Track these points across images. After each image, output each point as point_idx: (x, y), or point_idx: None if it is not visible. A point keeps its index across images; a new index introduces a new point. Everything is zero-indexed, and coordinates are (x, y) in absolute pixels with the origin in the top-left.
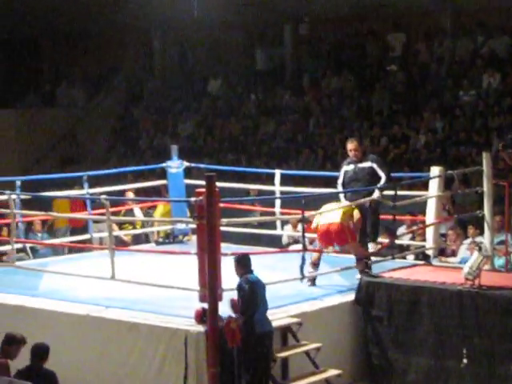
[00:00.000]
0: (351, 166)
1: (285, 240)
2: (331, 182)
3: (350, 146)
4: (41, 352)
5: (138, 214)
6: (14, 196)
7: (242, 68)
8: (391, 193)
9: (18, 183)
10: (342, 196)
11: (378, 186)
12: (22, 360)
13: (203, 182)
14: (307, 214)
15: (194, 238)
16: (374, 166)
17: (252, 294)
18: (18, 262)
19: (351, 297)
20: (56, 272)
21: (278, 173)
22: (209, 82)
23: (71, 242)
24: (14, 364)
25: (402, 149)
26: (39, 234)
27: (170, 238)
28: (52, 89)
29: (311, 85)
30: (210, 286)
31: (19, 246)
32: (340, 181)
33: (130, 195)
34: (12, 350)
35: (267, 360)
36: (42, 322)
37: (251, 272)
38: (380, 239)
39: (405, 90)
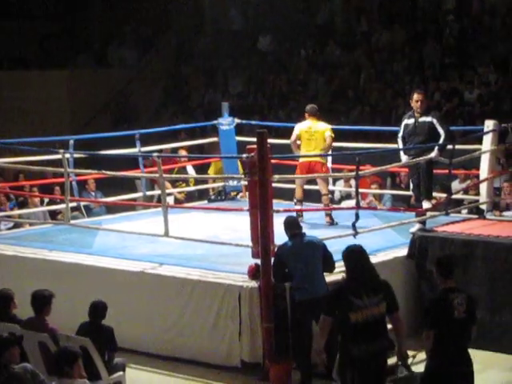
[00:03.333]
0: (411, 120)
1: (337, 196)
2: (382, 137)
3: (417, 96)
4: (99, 309)
5: (191, 172)
6: (67, 155)
7: (291, 24)
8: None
9: (72, 142)
10: (401, 151)
11: (438, 144)
12: (79, 317)
13: (254, 139)
14: (361, 170)
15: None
16: (435, 121)
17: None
18: (73, 221)
19: (404, 251)
20: (110, 230)
21: None
22: (258, 38)
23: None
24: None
25: (454, 103)
26: (93, 193)
27: (222, 195)
28: (103, 49)
29: (361, 39)
30: (263, 242)
31: (73, 204)
32: (400, 134)
33: (183, 153)
34: (49, 308)
35: (306, 328)
36: (97, 280)
37: (294, 235)
38: (435, 194)
39: (457, 42)
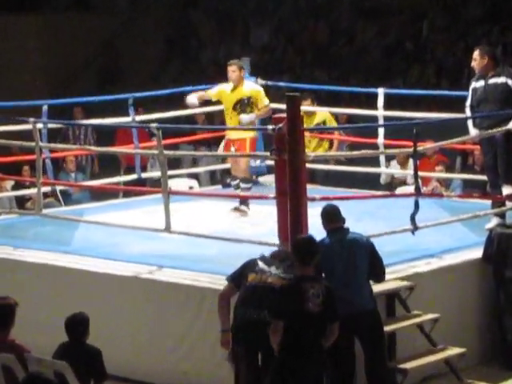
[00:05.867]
0: (481, 83)
1: (384, 179)
2: (450, 104)
3: (474, 54)
4: (78, 324)
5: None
6: (39, 125)
7: None
8: None
9: (45, 108)
10: (469, 122)
11: None
12: (51, 334)
13: (284, 106)
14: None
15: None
16: (510, 82)
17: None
18: (46, 210)
19: (479, 253)
20: (95, 222)
21: (381, 92)
22: None
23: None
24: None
25: None
26: (72, 175)
27: None
28: None
29: None
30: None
31: (47, 189)
32: (468, 103)
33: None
34: (13, 321)
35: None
36: (77, 286)
37: (335, 230)
38: None
39: None
